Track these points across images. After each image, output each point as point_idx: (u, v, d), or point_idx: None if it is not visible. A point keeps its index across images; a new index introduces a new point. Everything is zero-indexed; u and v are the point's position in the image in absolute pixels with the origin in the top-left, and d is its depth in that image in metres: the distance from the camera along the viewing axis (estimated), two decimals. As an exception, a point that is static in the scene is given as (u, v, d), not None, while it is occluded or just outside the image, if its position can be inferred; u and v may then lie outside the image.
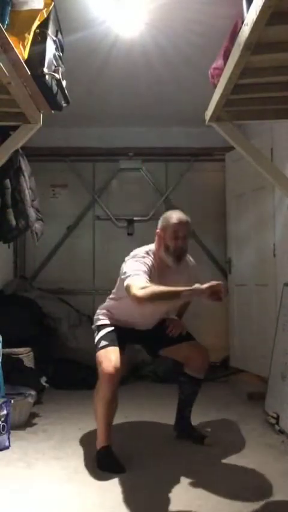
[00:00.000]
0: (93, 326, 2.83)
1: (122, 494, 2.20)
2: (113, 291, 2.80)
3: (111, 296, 2.82)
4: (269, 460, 2.57)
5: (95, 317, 2.84)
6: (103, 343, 2.63)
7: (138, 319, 2.74)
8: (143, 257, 2.55)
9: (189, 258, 2.85)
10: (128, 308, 2.58)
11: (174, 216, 2.62)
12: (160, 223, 2.65)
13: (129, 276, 2.39)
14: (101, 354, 2.60)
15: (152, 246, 2.68)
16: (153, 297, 2.28)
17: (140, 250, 2.64)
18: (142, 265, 2.48)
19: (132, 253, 2.64)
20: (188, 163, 5.10)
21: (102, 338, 2.67)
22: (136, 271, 2.41)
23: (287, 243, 3.64)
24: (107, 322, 2.74)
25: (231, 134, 2.90)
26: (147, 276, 2.40)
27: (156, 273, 2.56)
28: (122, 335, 2.68)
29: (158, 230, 2.65)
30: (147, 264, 2.50)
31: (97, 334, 2.73)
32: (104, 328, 2.72)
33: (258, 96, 2.66)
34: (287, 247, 3.65)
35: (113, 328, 2.69)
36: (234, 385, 4.24)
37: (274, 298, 3.79)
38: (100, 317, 2.79)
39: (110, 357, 2.55)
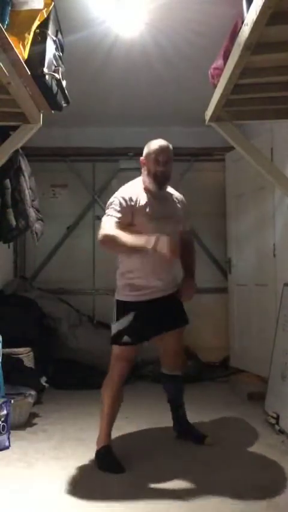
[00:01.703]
0: (115, 298, 2.72)
1: (122, 494, 2.20)
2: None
3: (119, 267, 2.73)
4: (269, 460, 2.57)
5: (117, 289, 2.73)
6: (125, 338, 2.57)
7: (151, 275, 2.64)
8: (127, 197, 2.58)
9: (176, 192, 2.88)
10: (137, 264, 2.60)
11: (156, 142, 2.68)
12: (144, 152, 2.70)
13: (102, 220, 2.55)
14: (118, 353, 2.60)
15: (137, 178, 2.75)
16: (112, 244, 2.47)
17: (125, 187, 2.69)
18: (117, 210, 2.53)
19: (116, 193, 2.66)
20: (188, 163, 5.10)
21: (125, 330, 2.58)
22: (109, 217, 2.52)
23: (287, 243, 3.64)
24: (130, 299, 2.64)
25: (231, 134, 2.90)
26: (118, 220, 2.50)
27: (144, 202, 2.60)
28: (143, 324, 2.60)
29: (141, 158, 2.70)
30: (124, 205, 2.55)
31: (117, 317, 2.64)
32: (127, 311, 2.61)
33: (258, 96, 2.66)
34: (287, 247, 3.65)
35: (134, 314, 2.59)
36: (234, 385, 4.23)
37: (274, 298, 3.79)
38: (121, 291, 2.68)
39: (125, 361, 2.60)
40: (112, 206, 2.57)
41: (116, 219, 2.51)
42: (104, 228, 2.49)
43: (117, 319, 2.62)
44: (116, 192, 2.67)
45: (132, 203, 2.57)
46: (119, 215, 2.53)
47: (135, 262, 2.63)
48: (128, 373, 2.63)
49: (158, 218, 2.61)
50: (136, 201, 2.59)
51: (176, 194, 2.87)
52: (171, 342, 2.81)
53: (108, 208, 2.60)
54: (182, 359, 2.95)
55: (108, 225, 2.49)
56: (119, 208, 2.54)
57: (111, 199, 2.63)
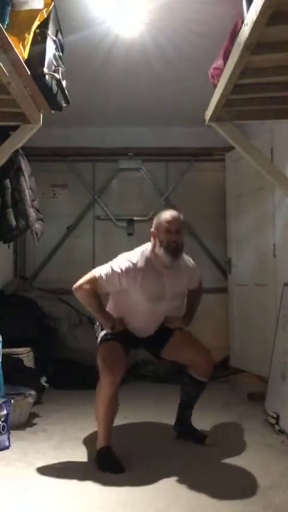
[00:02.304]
0: (95, 326, 2.83)
1: (122, 494, 2.20)
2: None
3: (109, 304, 2.80)
4: (269, 460, 2.57)
5: None
6: (106, 336, 2.65)
7: (139, 322, 2.73)
8: (126, 270, 2.54)
9: (190, 259, 2.85)
10: (128, 310, 2.63)
11: (167, 213, 2.67)
12: (153, 223, 2.68)
13: (92, 271, 2.61)
14: (103, 352, 2.62)
15: (145, 247, 2.70)
16: (84, 303, 2.59)
17: (130, 255, 2.65)
18: (109, 276, 2.53)
19: (120, 257, 2.65)
20: (188, 163, 5.10)
21: (105, 334, 2.68)
22: (99, 276, 2.54)
23: (287, 243, 3.64)
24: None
25: (231, 134, 2.90)
26: (103, 284, 2.54)
27: (148, 274, 2.57)
28: (126, 336, 2.69)
29: (151, 230, 2.67)
30: (117, 277, 2.53)
31: (100, 331, 2.73)
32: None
33: (258, 96, 2.66)
34: (287, 247, 3.65)
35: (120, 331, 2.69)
36: (234, 385, 4.23)
37: (274, 298, 3.79)
38: None
39: (111, 357, 2.57)
40: (108, 269, 2.56)
41: (103, 281, 2.53)
42: (85, 282, 2.55)
43: (102, 330, 2.72)
44: (122, 256, 2.64)
45: (131, 277, 2.54)
46: (107, 280, 2.53)
47: (125, 315, 2.69)
48: (117, 385, 2.53)
49: (155, 299, 2.61)
50: (137, 276, 2.55)
51: (187, 265, 2.80)
52: (185, 350, 2.80)
53: (106, 265, 2.60)
54: (210, 366, 2.83)
55: (90, 282, 2.54)
56: (111, 276, 2.53)
57: (114, 261, 2.61)
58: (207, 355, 2.81)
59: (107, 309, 2.74)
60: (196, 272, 2.87)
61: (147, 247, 2.69)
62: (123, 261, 2.59)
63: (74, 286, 2.57)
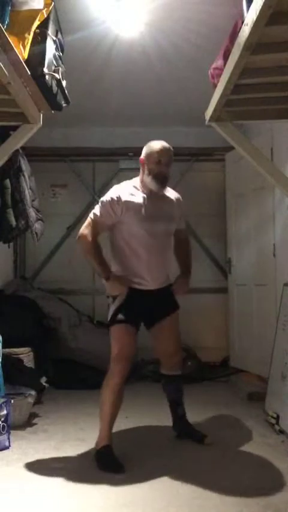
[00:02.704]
0: (109, 298, 2.76)
1: (122, 494, 2.20)
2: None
3: (111, 263, 2.77)
4: (269, 460, 2.57)
5: None
6: (120, 316, 2.63)
7: (145, 274, 2.68)
8: (115, 197, 2.62)
9: (173, 191, 2.91)
10: (130, 250, 2.66)
11: (157, 143, 2.70)
12: (143, 152, 2.72)
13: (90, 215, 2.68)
14: (117, 335, 2.62)
15: (134, 178, 2.78)
16: (84, 252, 2.69)
17: (119, 186, 2.73)
18: (101, 208, 2.64)
19: (108, 191, 2.72)
20: (188, 163, 5.10)
21: (118, 310, 2.64)
22: (93, 214, 2.65)
23: (287, 243, 3.64)
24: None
25: (231, 134, 2.90)
26: (99, 218, 2.63)
27: (138, 200, 2.64)
28: (134, 308, 2.65)
29: (141, 157, 2.72)
30: (109, 205, 2.62)
31: (112, 302, 2.69)
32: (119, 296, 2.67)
33: (258, 96, 2.66)
34: (287, 247, 3.65)
35: (128, 294, 2.64)
36: (234, 385, 4.23)
37: (274, 298, 3.79)
38: None
39: (125, 345, 2.61)
40: (99, 203, 2.69)
41: (98, 217, 2.64)
42: (85, 226, 2.67)
43: (113, 301, 2.68)
44: (109, 190, 2.73)
45: (121, 203, 2.61)
46: (101, 214, 2.64)
47: (127, 262, 2.69)
48: (127, 373, 2.62)
49: (150, 218, 2.64)
50: (127, 199, 2.62)
51: (172, 193, 2.89)
52: (166, 339, 2.81)
53: (97, 204, 2.71)
54: (180, 358, 2.96)
55: (88, 225, 2.66)
56: (103, 208, 2.64)
57: (102, 197, 2.71)
58: (175, 348, 2.87)
59: (112, 266, 2.74)
60: (181, 202, 2.92)
61: (135, 178, 2.77)
62: (111, 191, 2.70)
63: (77, 236, 2.69)
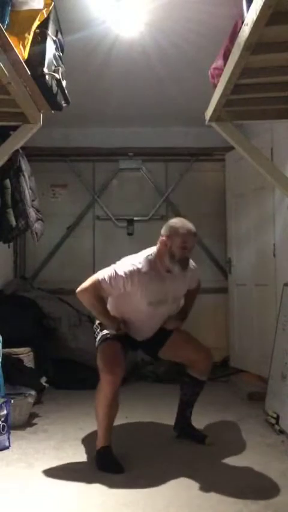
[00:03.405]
0: (94, 326, 2.82)
1: (122, 494, 2.20)
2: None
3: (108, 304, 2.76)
4: (269, 460, 2.57)
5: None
6: (106, 336, 2.64)
7: (139, 324, 2.72)
8: (130, 275, 2.51)
9: (191, 261, 2.82)
10: (128, 313, 2.64)
11: (184, 225, 2.58)
12: (166, 230, 2.58)
13: (96, 274, 2.55)
14: (103, 352, 2.61)
15: (150, 251, 2.65)
16: (89, 307, 2.60)
17: (134, 259, 2.60)
18: (111, 280, 2.49)
19: (124, 260, 2.61)
20: (188, 163, 5.10)
21: (105, 333, 2.67)
22: (102, 279, 2.50)
23: (287, 243, 3.64)
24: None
25: (231, 134, 2.90)
26: (105, 288, 2.50)
27: (152, 279, 2.55)
28: (125, 338, 2.69)
29: (163, 237, 2.58)
30: (120, 282, 2.50)
31: (99, 331, 2.72)
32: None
33: (258, 96, 2.66)
34: (287, 247, 3.65)
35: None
36: (234, 385, 4.23)
37: (274, 298, 3.79)
38: None
39: (111, 357, 2.57)
40: (112, 271, 2.52)
41: (106, 284, 2.49)
42: (89, 285, 2.51)
43: (101, 330, 2.70)
44: (127, 260, 2.60)
45: (135, 283, 2.51)
46: (111, 284, 2.50)
47: (123, 318, 2.68)
48: (118, 384, 2.52)
49: (157, 303, 2.61)
50: (141, 281, 2.52)
51: (192, 267, 2.77)
52: (182, 348, 2.79)
53: (109, 267, 2.56)
54: (208, 365, 2.82)
55: (94, 285, 2.50)
56: (115, 281, 2.50)
57: (118, 265, 2.57)
58: (207, 352, 2.81)
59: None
60: (197, 273, 2.87)
61: (151, 251, 2.64)
62: (127, 265, 2.55)
63: (78, 289, 2.55)
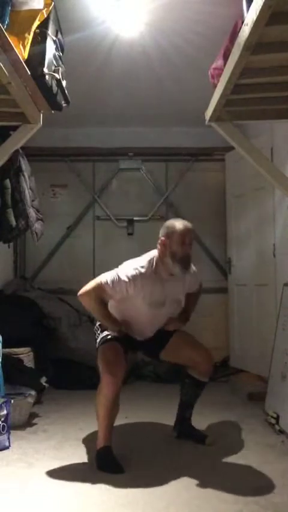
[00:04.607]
0: (95, 327, 2.82)
1: (122, 494, 2.20)
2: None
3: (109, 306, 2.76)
4: (269, 460, 2.57)
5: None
6: (106, 337, 2.64)
7: (139, 325, 2.72)
8: (133, 280, 2.51)
9: (192, 265, 2.81)
10: (129, 314, 2.64)
11: (180, 223, 2.62)
12: (164, 231, 2.61)
13: (98, 277, 2.56)
14: (103, 352, 2.61)
15: (152, 254, 2.65)
16: (91, 311, 2.62)
17: (137, 263, 2.60)
18: (114, 284, 2.50)
19: (126, 264, 2.61)
20: (188, 163, 5.10)
21: (105, 335, 2.67)
22: (105, 283, 2.50)
23: (287, 243, 3.64)
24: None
25: (231, 134, 2.90)
26: (108, 291, 2.51)
27: (154, 282, 2.57)
28: (126, 339, 2.69)
29: (162, 238, 2.60)
30: (124, 285, 2.50)
31: (99, 332, 2.72)
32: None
33: (258, 96, 2.66)
34: (287, 247, 3.65)
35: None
36: (234, 385, 4.23)
37: (274, 298, 3.79)
38: None
39: (112, 357, 2.57)
40: (115, 275, 2.52)
41: (109, 288, 2.50)
42: (91, 288, 2.52)
43: (102, 332, 2.70)
44: (129, 264, 2.61)
45: (137, 288, 2.52)
46: (114, 288, 2.50)
47: (124, 319, 2.68)
48: (119, 386, 2.53)
49: (157, 305, 2.62)
50: (143, 286, 2.53)
51: (192, 270, 2.77)
52: (184, 350, 2.79)
53: (112, 271, 2.56)
54: (210, 365, 2.83)
55: (96, 289, 2.51)
56: (118, 284, 2.51)
57: (120, 269, 2.58)
58: (208, 354, 2.81)
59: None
60: (197, 277, 2.87)
61: (153, 254, 2.65)
62: (130, 269, 2.55)
63: (80, 292, 2.55)
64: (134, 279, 2.51)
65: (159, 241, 2.61)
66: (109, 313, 2.62)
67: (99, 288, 2.51)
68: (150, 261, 2.61)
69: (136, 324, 2.70)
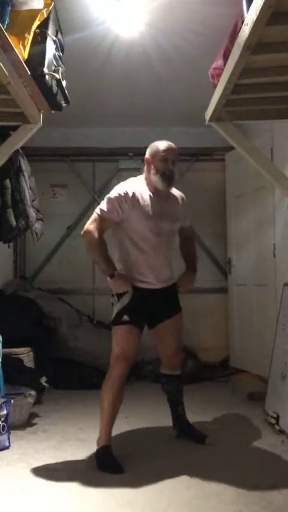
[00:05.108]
0: (112, 298, 2.73)
1: (122, 494, 2.20)
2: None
3: (115, 252, 2.78)
4: (269, 460, 2.57)
5: None
6: (125, 317, 2.62)
7: (149, 272, 2.68)
8: (123, 194, 2.63)
9: (176, 190, 2.91)
10: (134, 248, 2.66)
11: (164, 142, 2.73)
12: (149, 151, 2.73)
13: (96, 210, 2.68)
14: (119, 336, 2.62)
15: (141, 176, 2.78)
16: (88, 248, 2.71)
17: (126, 183, 2.73)
18: (108, 204, 2.63)
19: (115, 187, 2.72)
20: (188, 163, 5.10)
21: (123, 310, 2.62)
22: (99, 209, 2.65)
23: (287, 243, 3.64)
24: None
25: (231, 134, 2.91)
26: (105, 214, 2.63)
27: (143, 196, 2.64)
28: (138, 309, 2.64)
29: (147, 157, 2.73)
30: (116, 200, 2.62)
31: (116, 301, 2.67)
32: (124, 294, 2.65)
33: (258, 96, 2.66)
34: (287, 247, 3.65)
35: (133, 294, 2.62)
36: (234, 385, 4.23)
37: (274, 298, 3.79)
38: None
39: (127, 343, 2.60)
40: (106, 199, 2.67)
41: (105, 213, 2.62)
42: (90, 222, 2.65)
43: (118, 300, 2.66)
44: (116, 186, 2.72)
45: (128, 200, 2.61)
46: (108, 210, 2.62)
47: (131, 260, 2.68)
48: (127, 373, 2.62)
49: (155, 217, 2.65)
50: (134, 196, 2.62)
51: (176, 192, 2.89)
52: (168, 340, 2.82)
53: (103, 200, 2.70)
54: (180, 359, 2.97)
55: (94, 221, 2.64)
56: (110, 204, 2.63)
57: (109, 193, 2.70)
58: (180, 349, 2.93)
59: (118, 260, 2.74)
60: (185, 201, 2.92)
61: (141, 176, 2.78)
62: (118, 187, 2.69)
63: (82, 231, 2.67)
64: (124, 193, 2.63)
65: (145, 159, 2.74)
66: (108, 257, 2.66)
67: (97, 218, 2.63)
68: (136, 179, 2.76)
69: (144, 261, 2.66)
